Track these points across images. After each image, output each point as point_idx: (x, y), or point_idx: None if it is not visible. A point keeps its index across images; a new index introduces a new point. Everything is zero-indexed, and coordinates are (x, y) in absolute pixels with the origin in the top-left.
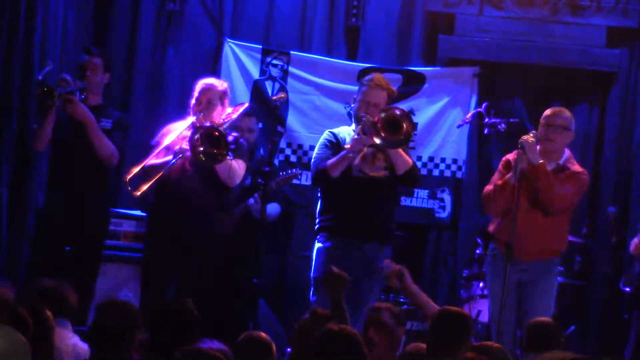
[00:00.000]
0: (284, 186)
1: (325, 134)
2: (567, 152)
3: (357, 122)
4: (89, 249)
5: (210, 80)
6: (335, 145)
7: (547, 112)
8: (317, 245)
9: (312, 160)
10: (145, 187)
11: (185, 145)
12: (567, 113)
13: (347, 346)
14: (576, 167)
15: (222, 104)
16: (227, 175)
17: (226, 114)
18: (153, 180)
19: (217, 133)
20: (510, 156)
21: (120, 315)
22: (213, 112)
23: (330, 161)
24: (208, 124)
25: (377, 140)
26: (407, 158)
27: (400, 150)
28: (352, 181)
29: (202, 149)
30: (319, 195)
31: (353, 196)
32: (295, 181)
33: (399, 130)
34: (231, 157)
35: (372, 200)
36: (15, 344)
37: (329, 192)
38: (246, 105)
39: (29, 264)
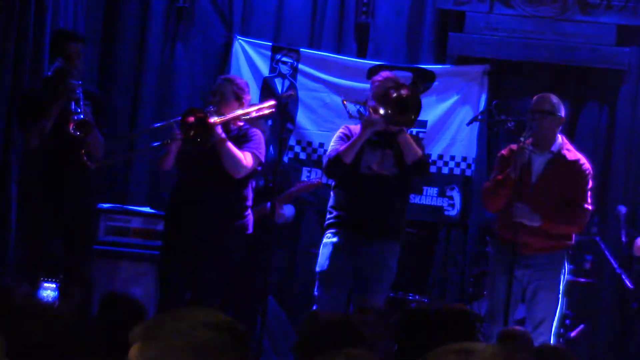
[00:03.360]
0: (304, 193)
1: (342, 128)
2: (561, 139)
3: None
4: (79, 239)
5: (226, 76)
6: (346, 138)
7: (534, 99)
8: (325, 240)
9: (327, 152)
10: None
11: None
12: (553, 98)
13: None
14: (572, 155)
15: (238, 99)
16: (230, 163)
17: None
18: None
19: (207, 121)
20: (505, 152)
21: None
22: (227, 106)
23: (342, 147)
24: (205, 114)
25: (382, 111)
26: (417, 148)
27: (410, 139)
28: (360, 178)
29: (191, 132)
30: (331, 192)
31: (362, 193)
32: (307, 179)
33: (406, 111)
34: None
35: (380, 197)
36: None
37: (339, 189)
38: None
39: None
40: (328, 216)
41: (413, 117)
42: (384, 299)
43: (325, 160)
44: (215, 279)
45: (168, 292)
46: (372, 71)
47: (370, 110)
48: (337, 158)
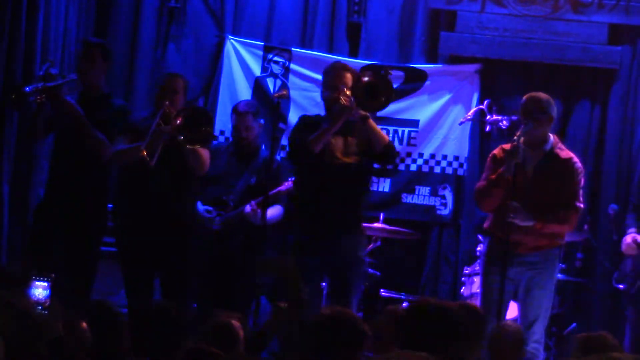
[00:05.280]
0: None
1: (300, 118)
2: (553, 138)
3: (329, 107)
4: (86, 246)
5: (173, 72)
6: (310, 126)
7: (523, 100)
8: (295, 240)
9: (289, 139)
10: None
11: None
12: (543, 98)
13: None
14: (565, 154)
15: (184, 96)
16: (198, 161)
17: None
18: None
19: (199, 112)
20: (497, 151)
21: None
22: (179, 101)
23: (311, 136)
24: (183, 108)
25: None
26: (384, 135)
27: (376, 127)
28: (326, 168)
29: (185, 132)
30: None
31: (329, 184)
32: None
33: (378, 96)
34: None
35: (347, 187)
36: None
37: (303, 180)
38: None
39: (27, 261)
40: (293, 213)
41: (384, 99)
42: (361, 291)
43: (291, 146)
44: (185, 269)
45: (136, 288)
46: (364, 70)
47: (333, 99)
48: (305, 146)
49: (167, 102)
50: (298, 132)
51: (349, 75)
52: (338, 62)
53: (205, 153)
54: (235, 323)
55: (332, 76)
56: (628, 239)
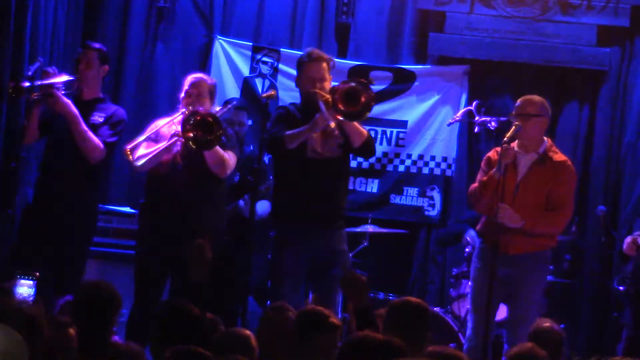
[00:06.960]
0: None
1: (278, 109)
2: (547, 141)
3: (306, 99)
4: (74, 246)
5: (200, 75)
6: (286, 118)
7: (517, 102)
8: (275, 234)
9: (266, 131)
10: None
11: (177, 128)
12: (536, 100)
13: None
14: (558, 156)
15: (211, 99)
16: (218, 165)
17: (218, 109)
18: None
19: (210, 119)
20: (491, 154)
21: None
22: (203, 105)
23: (288, 132)
24: (201, 110)
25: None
26: (362, 129)
27: (353, 125)
28: (307, 163)
29: (193, 134)
30: (272, 180)
31: (310, 179)
32: None
33: (357, 102)
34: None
35: (328, 182)
36: (13, 342)
37: (285, 175)
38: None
39: (14, 260)
40: (274, 208)
41: (362, 108)
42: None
43: (268, 138)
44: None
45: (147, 286)
46: (353, 71)
47: (311, 94)
48: (281, 141)
49: (189, 108)
50: (274, 125)
51: (324, 66)
52: (313, 50)
53: (228, 156)
54: (248, 332)
55: (305, 68)
56: (629, 239)
